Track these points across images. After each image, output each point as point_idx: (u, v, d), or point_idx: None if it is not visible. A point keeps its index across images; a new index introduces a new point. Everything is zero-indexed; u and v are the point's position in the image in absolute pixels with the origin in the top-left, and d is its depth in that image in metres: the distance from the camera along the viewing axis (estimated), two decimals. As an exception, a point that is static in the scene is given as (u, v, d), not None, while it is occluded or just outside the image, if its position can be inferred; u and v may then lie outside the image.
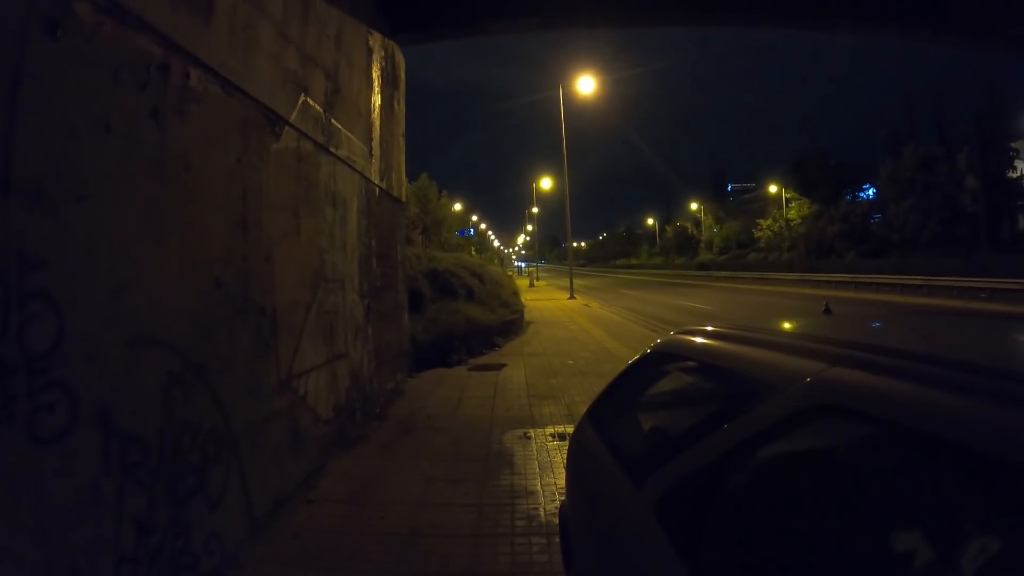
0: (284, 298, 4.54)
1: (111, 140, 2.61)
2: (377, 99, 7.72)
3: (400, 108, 9.26)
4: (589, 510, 2.39)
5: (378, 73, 7.77)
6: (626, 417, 2.57)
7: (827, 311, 2.70)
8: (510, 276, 32.63)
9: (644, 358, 2.62)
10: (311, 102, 5.18)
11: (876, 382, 1.24)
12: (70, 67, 2.40)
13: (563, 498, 4.59)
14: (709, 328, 2.35)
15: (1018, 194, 37.38)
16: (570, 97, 28.93)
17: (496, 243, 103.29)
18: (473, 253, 36.91)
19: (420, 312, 11.09)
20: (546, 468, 5.23)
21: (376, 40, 7.68)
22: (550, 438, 6.13)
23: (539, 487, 4.80)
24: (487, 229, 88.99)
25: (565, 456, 5.51)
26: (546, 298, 32.17)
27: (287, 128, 4.67)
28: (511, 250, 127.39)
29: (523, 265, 78.26)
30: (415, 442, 6.10)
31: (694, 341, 2.31)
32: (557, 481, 4.92)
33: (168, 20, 2.99)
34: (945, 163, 37.92)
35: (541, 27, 9.24)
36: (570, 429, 6.36)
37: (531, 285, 46.18)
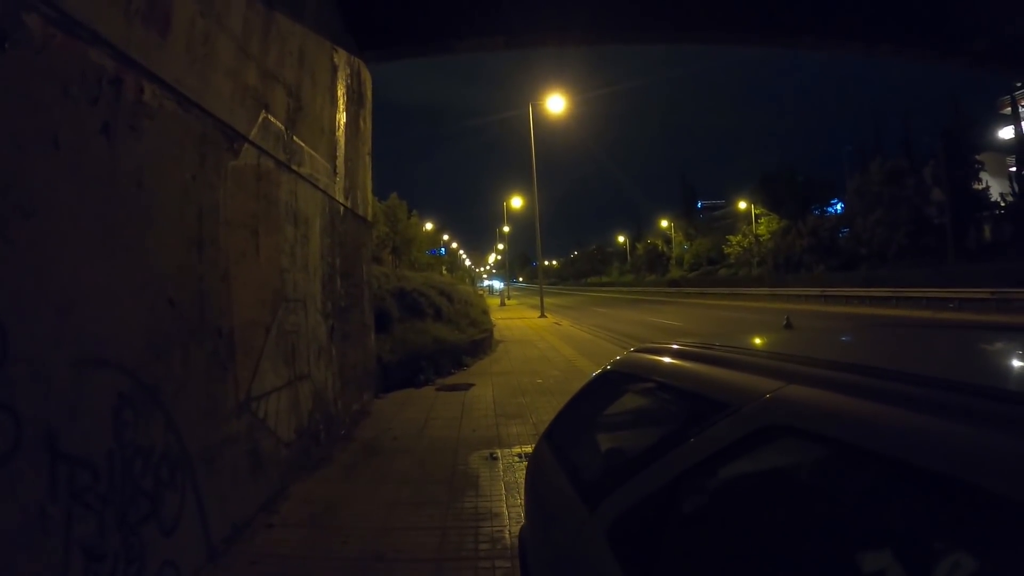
0: (242, 318, 4.44)
1: (60, 155, 2.54)
2: (342, 116, 7.69)
3: (366, 126, 9.23)
4: (545, 534, 2.34)
5: (343, 90, 7.75)
6: (582, 438, 2.53)
7: (788, 326, 2.72)
8: (480, 295, 32.57)
9: (601, 377, 2.59)
10: (272, 119, 5.13)
11: (830, 400, 1.20)
12: (18, 80, 2.34)
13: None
14: (666, 346, 2.32)
15: (983, 205, 38.62)
16: (541, 116, 29.21)
17: (467, 262, 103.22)
18: (444, 272, 36.74)
19: (387, 332, 10.98)
20: (511, 489, 5.18)
21: (341, 57, 7.66)
22: (516, 458, 6.07)
23: (504, 509, 4.75)
24: (458, 248, 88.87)
25: (528, 477, 5.52)
26: (517, 317, 32.19)
27: (246, 145, 4.61)
28: (482, 269, 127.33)
29: (493, 284, 78.12)
30: (380, 464, 6.00)
31: (650, 359, 2.27)
32: (522, 502, 4.85)
33: (122, 34, 2.94)
34: (912, 176, 39.14)
35: (508, 46, 9.33)
36: (536, 448, 6.32)
37: (502, 304, 46.20)
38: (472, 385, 10.60)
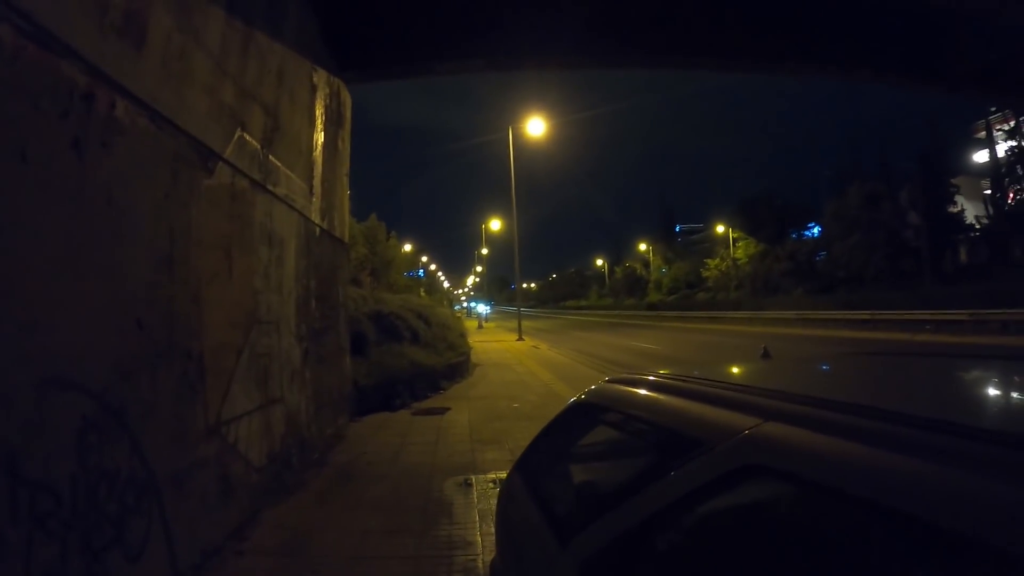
0: (213, 340, 4.34)
1: (28, 170, 2.47)
2: (320, 137, 7.65)
3: (345, 147, 9.19)
4: (517, 567, 2.28)
5: (322, 111, 7.72)
6: (554, 470, 2.47)
7: (766, 355, 2.69)
8: (458, 317, 32.41)
9: (573, 408, 2.51)
10: (248, 138, 5.08)
11: (807, 439, 1.16)
12: (-15, 92, 2.27)
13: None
14: (640, 376, 2.23)
15: (959, 228, 39.52)
16: (522, 139, 29.42)
17: (446, 284, 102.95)
18: (423, 294, 36.55)
19: (363, 355, 10.84)
20: (486, 517, 5.08)
21: (321, 77, 7.65)
22: (491, 485, 5.97)
23: (478, 538, 4.66)
24: (437, 270, 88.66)
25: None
26: (494, 340, 32.06)
27: (221, 164, 4.54)
28: (461, 291, 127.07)
29: (476, 306, 77.53)
30: (353, 490, 5.87)
31: (624, 390, 2.19)
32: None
33: (95, 48, 2.88)
34: (889, 200, 39.90)
35: (488, 68, 9.39)
36: (512, 474, 6.24)
37: (479, 327, 46.09)
38: (448, 409, 10.49)
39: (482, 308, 70.62)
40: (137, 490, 3.19)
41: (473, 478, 6.20)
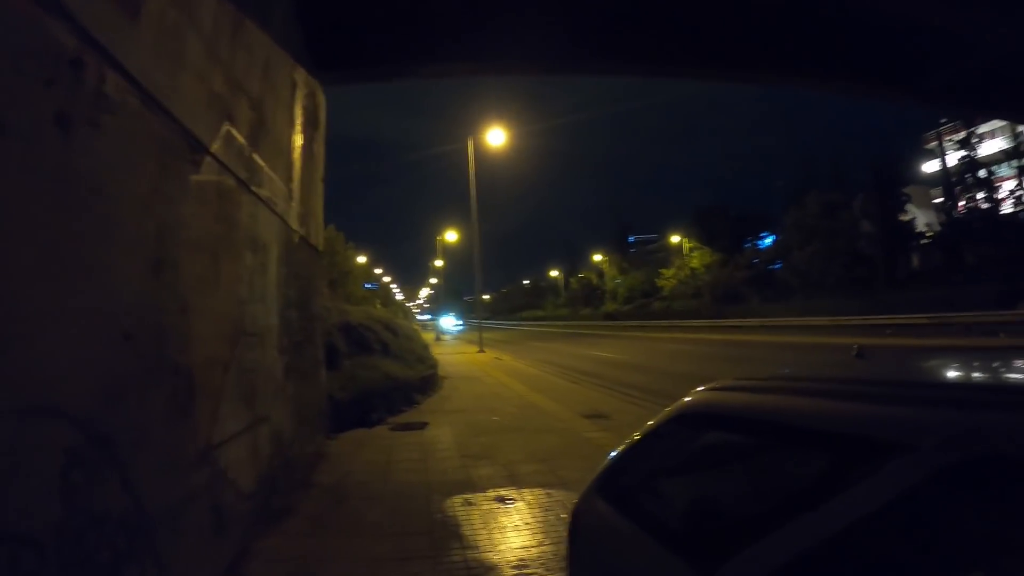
0: (202, 355, 3.85)
1: (5, 145, 2.01)
2: (299, 138, 7.17)
3: (320, 150, 8.69)
4: None
5: (300, 111, 7.24)
6: (662, 490, 2.17)
7: (860, 355, 2.44)
8: (416, 330, 31.91)
9: (674, 419, 2.21)
10: (235, 132, 4.61)
11: None
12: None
13: (528, 569, 4.13)
14: (753, 381, 2.04)
15: (910, 236, 41.13)
16: (480, 151, 29.22)
17: (400, 296, 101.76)
18: (379, 306, 35.86)
19: (336, 368, 10.30)
20: (498, 537, 4.74)
21: (301, 76, 7.17)
22: (494, 502, 5.62)
23: (498, 560, 4.30)
24: (391, 282, 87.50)
25: (515, 521, 5.08)
26: (455, 352, 31.75)
27: (208, 158, 4.07)
28: (414, 304, 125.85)
29: (446, 318, 75.99)
30: (349, 514, 5.40)
31: (745, 397, 1.97)
32: (513, 550, 4.45)
33: (86, 7, 2.42)
34: (847, 210, 41.27)
35: (473, 72, 9.10)
36: (512, 492, 5.91)
37: (437, 339, 45.47)
38: (427, 424, 10.05)
39: (446, 322, 69.44)
40: (129, 532, 2.70)
41: (473, 497, 5.83)
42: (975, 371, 1.91)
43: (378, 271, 69.32)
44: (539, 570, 4.10)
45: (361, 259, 47.11)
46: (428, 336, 42.19)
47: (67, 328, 2.37)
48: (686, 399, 2.20)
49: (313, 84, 8.06)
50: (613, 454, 2.42)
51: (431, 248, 61.89)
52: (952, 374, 1.95)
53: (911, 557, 1.22)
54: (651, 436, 2.26)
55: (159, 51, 3.17)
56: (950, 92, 10.06)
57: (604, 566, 2.14)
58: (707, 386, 2.20)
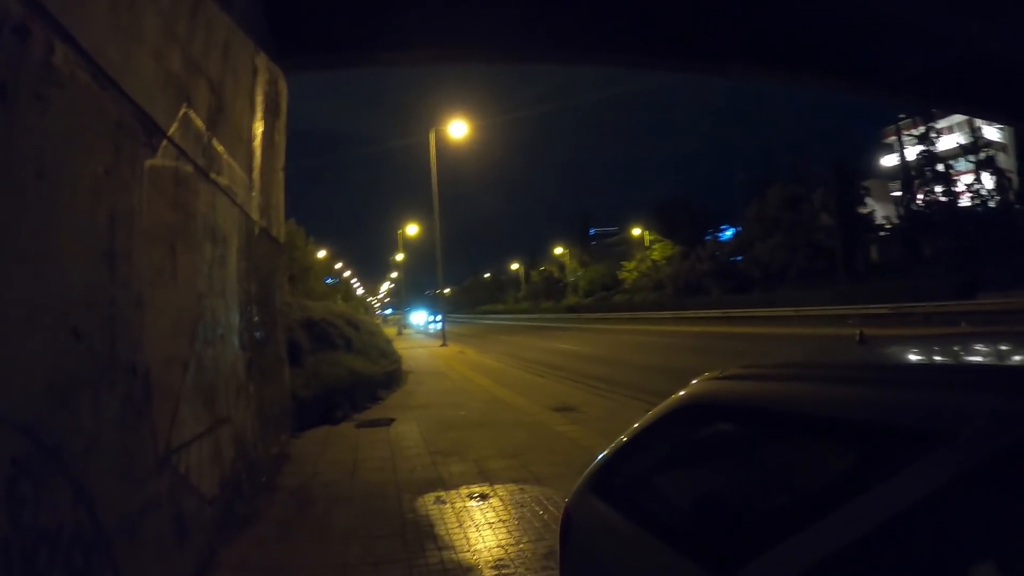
0: (159, 352, 3.60)
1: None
2: (260, 126, 6.87)
3: (281, 139, 8.37)
4: None
5: (262, 97, 6.94)
6: (664, 488, 2.05)
7: (863, 341, 2.37)
8: (378, 324, 31.52)
9: (675, 411, 2.08)
10: (193, 116, 4.34)
11: None
12: None
13: (508, 569, 4.00)
14: (761, 370, 1.94)
15: (869, 228, 42.18)
16: (441, 143, 28.96)
17: (360, 291, 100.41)
18: (340, 302, 35.24)
19: (299, 365, 9.99)
20: (474, 536, 4.60)
21: (262, 61, 6.86)
22: (467, 500, 5.49)
23: (475, 560, 4.16)
24: (351, 277, 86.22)
25: (490, 518, 4.95)
26: (418, 346, 31.54)
27: (165, 142, 3.81)
28: (375, 299, 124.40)
29: (390, 313, 75.16)
30: (316, 517, 5.19)
31: (754, 385, 1.87)
32: (491, 549, 4.33)
33: (31, -32, 2.18)
34: (807, 203, 42.05)
35: (436, 59, 8.89)
36: (486, 488, 5.78)
37: (399, 333, 45.07)
38: (393, 420, 9.85)
39: (418, 318, 68.50)
40: (85, 547, 2.47)
41: (444, 494, 5.69)
42: (989, 356, 1.85)
43: (339, 266, 68.25)
44: (520, 569, 3.97)
45: (322, 254, 46.28)
46: (390, 331, 41.83)
47: (8, 323, 2.14)
48: (686, 390, 2.09)
49: (275, 71, 7.74)
50: (607, 451, 2.30)
51: (393, 242, 61.23)
52: (971, 359, 1.87)
53: (953, 554, 1.12)
54: (649, 430, 2.13)
55: (114, 24, 2.92)
56: (917, 85, 10.27)
57: (603, 568, 2.03)
58: (708, 376, 2.09)
